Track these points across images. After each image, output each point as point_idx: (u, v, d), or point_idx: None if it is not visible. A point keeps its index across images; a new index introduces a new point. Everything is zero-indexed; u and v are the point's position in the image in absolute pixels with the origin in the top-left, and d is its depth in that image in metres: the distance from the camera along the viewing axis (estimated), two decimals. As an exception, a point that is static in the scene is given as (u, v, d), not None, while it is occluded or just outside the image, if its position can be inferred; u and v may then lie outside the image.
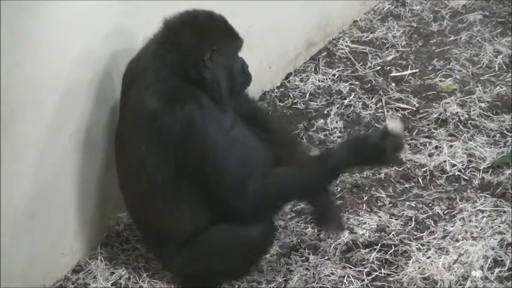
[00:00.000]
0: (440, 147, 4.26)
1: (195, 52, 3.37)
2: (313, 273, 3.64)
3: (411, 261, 3.65)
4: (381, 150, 3.39)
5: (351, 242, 3.77)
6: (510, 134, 4.30)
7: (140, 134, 3.36)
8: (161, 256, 3.62)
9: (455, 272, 3.58)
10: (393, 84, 4.67)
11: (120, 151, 3.53)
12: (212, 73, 3.39)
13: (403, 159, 4.20)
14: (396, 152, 3.45)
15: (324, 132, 4.42)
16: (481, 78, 4.67)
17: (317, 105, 4.54)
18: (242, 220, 3.39)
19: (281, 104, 4.56)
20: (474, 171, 4.12)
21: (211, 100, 3.39)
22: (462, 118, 4.40)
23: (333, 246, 3.76)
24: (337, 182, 4.09)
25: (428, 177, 4.12)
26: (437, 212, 3.90)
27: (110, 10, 3.57)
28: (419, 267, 3.62)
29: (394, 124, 3.42)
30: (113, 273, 3.68)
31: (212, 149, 3.31)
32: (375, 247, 3.73)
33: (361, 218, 3.88)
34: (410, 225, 3.84)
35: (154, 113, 3.31)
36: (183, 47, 3.38)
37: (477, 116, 4.42)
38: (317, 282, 3.60)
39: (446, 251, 3.68)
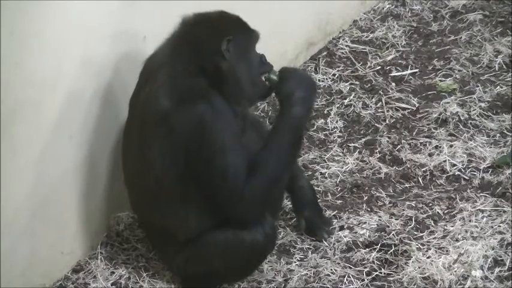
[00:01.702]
0: (440, 147, 4.26)
1: (211, 43, 3.38)
2: (313, 273, 3.64)
3: (411, 261, 3.65)
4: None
5: (351, 241, 3.77)
6: (510, 134, 4.30)
7: (151, 133, 3.36)
8: (163, 255, 3.62)
9: (455, 271, 3.58)
10: (393, 84, 4.67)
11: (128, 149, 3.53)
12: (229, 65, 3.40)
13: (403, 159, 4.21)
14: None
15: (324, 132, 4.42)
16: (481, 78, 4.67)
17: (317, 104, 4.53)
18: (242, 224, 3.40)
19: (281, 103, 4.56)
20: (474, 171, 4.12)
21: (226, 98, 3.40)
22: (462, 118, 4.40)
23: (332, 246, 3.76)
24: (337, 182, 4.10)
25: (428, 177, 4.12)
26: (437, 212, 3.90)
27: (110, 10, 3.57)
28: (419, 267, 3.62)
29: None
30: (113, 272, 3.68)
31: (220, 151, 3.31)
32: (375, 247, 3.73)
33: (361, 218, 3.88)
34: (410, 225, 3.84)
35: (166, 113, 3.30)
36: (198, 41, 3.39)
37: (477, 115, 4.42)
38: (317, 282, 3.61)
39: (446, 251, 3.68)
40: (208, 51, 3.38)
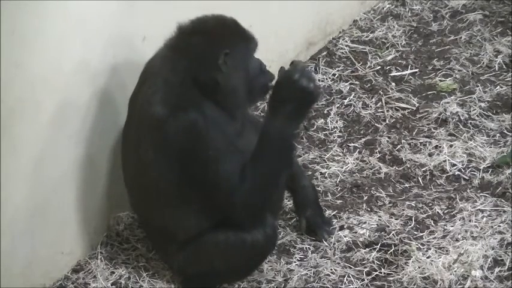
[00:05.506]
0: (440, 146, 4.26)
1: (207, 57, 3.36)
2: (313, 273, 3.64)
3: (411, 260, 3.65)
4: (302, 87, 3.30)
5: (351, 241, 3.77)
6: (510, 134, 4.30)
7: (147, 138, 3.36)
8: (163, 255, 3.62)
9: (455, 271, 3.58)
10: (393, 84, 4.67)
11: (127, 149, 3.53)
12: (227, 77, 3.38)
13: (403, 158, 4.21)
14: (311, 80, 3.33)
15: (324, 132, 4.42)
16: (481, 78, 4.67)
17: (317, 104, 4.53)
18: (241, 227, 3.41)
19: (281, 103, 4.55)
20: (474, 171, 4.12)
21: (222, 106, 3.39)
22: (462, 118, 4.40)
23: (332, 246, 3.76)
24: (337, 182, 4.10)
25: (428, 177, 4.12)
26: (437, 212, 3.90)
27: (110, 10, 3.57)
28: (419, 267, 3.62)
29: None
30: (113, 272, 3.68)
31: (213, 158, 3.31)
32: (375, 247, 3.73)
33: (361, 218, 3.88)
34: (410, 224, 3.84)
35: (160, 120, 3.30)
36: (194, 53, 3.37)
37: (477, 115, 4.42)
38: (317, 282, 3.61)
39: (446, 251, 3.68)
40: (205, 64, 3.36)
